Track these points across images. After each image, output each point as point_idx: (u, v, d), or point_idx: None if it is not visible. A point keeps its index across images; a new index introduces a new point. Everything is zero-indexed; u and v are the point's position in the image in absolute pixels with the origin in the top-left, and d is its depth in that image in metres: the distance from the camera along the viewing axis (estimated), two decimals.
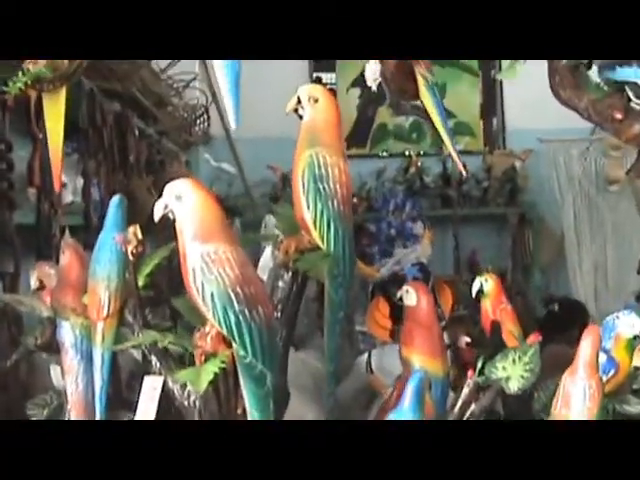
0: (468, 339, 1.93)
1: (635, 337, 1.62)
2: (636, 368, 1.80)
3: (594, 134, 4.95)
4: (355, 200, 4.95)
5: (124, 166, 3.46)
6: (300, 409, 2.72)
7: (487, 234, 5.54)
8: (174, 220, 1.45)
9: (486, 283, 1.94)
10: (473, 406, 1.68)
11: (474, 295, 1.96)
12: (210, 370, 1.40)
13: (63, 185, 3.32)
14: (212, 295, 1.41)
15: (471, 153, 5.48)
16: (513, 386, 1.63)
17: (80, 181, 2.99)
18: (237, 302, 1.41)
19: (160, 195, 1.44)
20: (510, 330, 1.90)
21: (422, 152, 5.47)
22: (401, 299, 1.83)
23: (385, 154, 5.58)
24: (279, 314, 1.68)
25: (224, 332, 1.43)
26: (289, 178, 1.80)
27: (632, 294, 4.90)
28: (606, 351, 1.62)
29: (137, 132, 3.60)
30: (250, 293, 1.43)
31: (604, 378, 1.61)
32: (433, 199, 5.32)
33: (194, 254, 1.42)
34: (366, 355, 2.67)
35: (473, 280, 5.26)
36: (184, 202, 1.44)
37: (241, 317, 1.42)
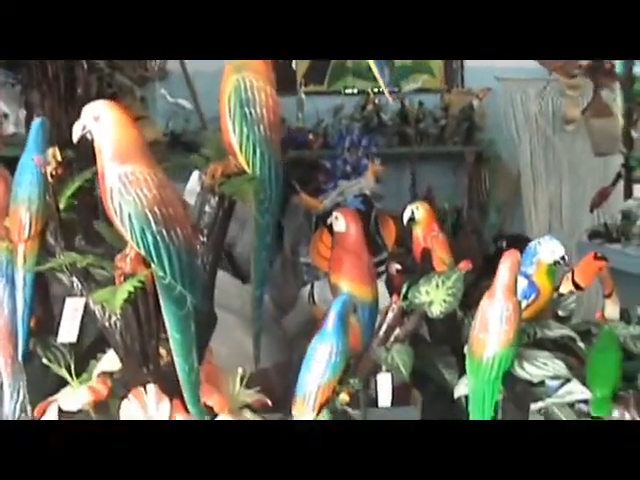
0: (399, 266, 1.93)
1: (555, 262, 1.63)
2: (560, 295, 1.82)
3: (552, 74, 4.95)
4: (311, 137, 4.93)
5: (71, 99, 3.39)
6: (246, 339, 2.75)
7: (444, 172, 5.55)
8: (92, 141, 1.43)
9: (417, 211, 1.94)
10: (398, 330, 1.70)
11: (405, 223, 1.96)
12: (125, 289, 1.40)
13: (4, 116, 3.28)
14: (129, 216, 1.40)
15: (429, 91, 5.48)
16: (435, 310, 1.65)
17: (23, 113, 2.93)
18: (155, 223, 1.40)
19: None
20: (440, 257, 1.91)
21: (380, 89, 5.43)
22: (331, 226, 1.83)
23: (350, 91, 5.55)
24: (205, 239, 1.67)
25: (142, 253, 1.42)
26: None
27: (585, 232, 4.95)
28: (527, 276, 1.64)
29: (85, 65, 3.52)
30: (168, 214, 1.42)
31: (524, 303, 1.63)
32: (390, 137, 5.32)
33: (112, 175, 1.41)
34: (309, 286, 2.68)
35: None
36: (102, 123, 1.42)
37: (159, 238, 1.41)
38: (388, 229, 2.80)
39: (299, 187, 3.23)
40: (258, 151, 1.63)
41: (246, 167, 1.65)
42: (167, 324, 1.48)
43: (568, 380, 1.57)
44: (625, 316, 2.01)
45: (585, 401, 1.58)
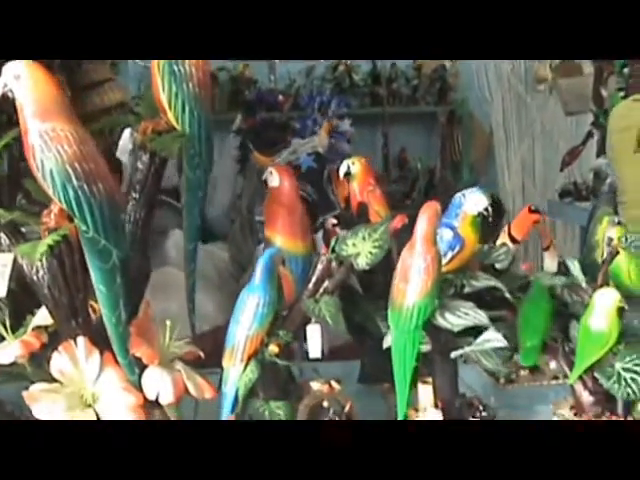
0: (334, 220, 1.96)
1: (479, 214, 1.65)
2: (491, 247, 1.85)
3: None
4: (281, 98, 4.93)
5: None
6: (204, 298, 2.79)
7: (416, 132, 5.57)
8: (14, 99, 1.45)
9: (353, 166, 1.96)
10: (327, 282, 1.73)
11: (341, 177, 1.98)
12: (45, 243, 1.42)
13: None
14: (51, 172, 1.42)
15: None
16: (362, 262, 1.68)
17: None
18: (75, 178, 1.42)
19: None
20: (377, 211, 1.93)
21: None
22: (265, 181, 1.85)
23: None
24: (138, 195, 1.69)
25: (65, 208, 1.44)
26: None
27: (556, 191, 4.99)
28: (453, 228, 1.66)
29: None
30: (89, 169, 1.44)
31: (450, 254, 1.66)
32: (362, 97, 5.32)
33: (34, 132, 1.43)
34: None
35: (402, 178, 5.33)
36: (22, 81, 1.44)
37: (80, 192, 1.43)
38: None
39: (252, 146, 3.25)
40: (187, 108, 1.66)
41: (175, 124, 1.67)
42: (93, 277, 1.50)
43: (486, 328, 1.59)
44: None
45: (503, 349, 1.61)
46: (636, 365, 1.63)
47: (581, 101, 4.83)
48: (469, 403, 1.75)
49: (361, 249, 1.68)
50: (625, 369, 1.64)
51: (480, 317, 1.58)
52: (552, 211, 5.06)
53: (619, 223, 2.01)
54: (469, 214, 1.64)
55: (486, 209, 1.63)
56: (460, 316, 1.58)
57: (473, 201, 1.63)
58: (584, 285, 1.74)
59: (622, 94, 4.25)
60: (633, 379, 1.62)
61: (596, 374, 1.66)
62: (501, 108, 5.37)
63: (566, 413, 1.79)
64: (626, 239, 1.71)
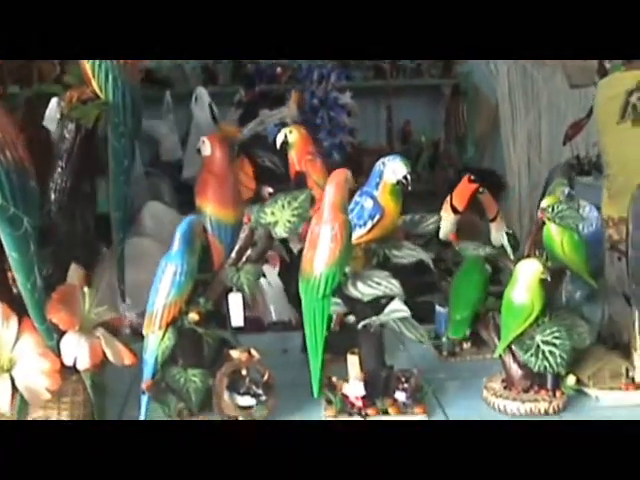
0: (270, 189, 1.94)
1: (398, 182, 1.63)
2: (422, 216, 1.82)
3: None
4: (279, 70, 4.90)
5: None
6: None
7: (421, 105, 5.50)
8: None
9: (291, 134, 1.94)
10: (249, 251, 1.71)
11: (278, 146, 1.96)
12: None
13: None
14: None
15: None
16: (279, 231, 1.66)
17: None
18: None
19: None
20: (315, 180, 1.91)
21: None
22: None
23: None
24: (64, 164, 1.69)
25: None
26: None
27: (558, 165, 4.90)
28: (372, 197, 1.63)
29: None
30: None
31: (370, 224, 1.63)
32: (366, 70, 5.25)
33: None
34: None
35: (406, 151, 5.26)
36: None
37: None
38: None
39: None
40: (110, 77, 1.65)
41: (99, 93, 1.66)
42: (4, 245, 1.50)
43: (392, 298, 1.57)
44: None
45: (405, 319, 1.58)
46: (555, 338, 1.60)
47: (585, 74, 4.73)
48: (396, 376, 1.72)
49: (279, 217, 1.66)
50: (544, 342, 1.61)
51: (392, 286, 1.56)
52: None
53: (570, 196, 1.97)
54: (388, 182, 1.62)
55: (405, 177, 1.60)
56: (372, 286, 1.56)
57: (392, 169, 1.61)
58: (512, 257, 1.71)
59: (624, 67, 4.15)
60: (551, 352, 1.59)
61: (514, 347, 1.63)
62: (506, 81, 5.27)
63: (497, 386, 1.76)
64: (553, 209, 1.67)
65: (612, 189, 3.30)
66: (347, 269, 1.60)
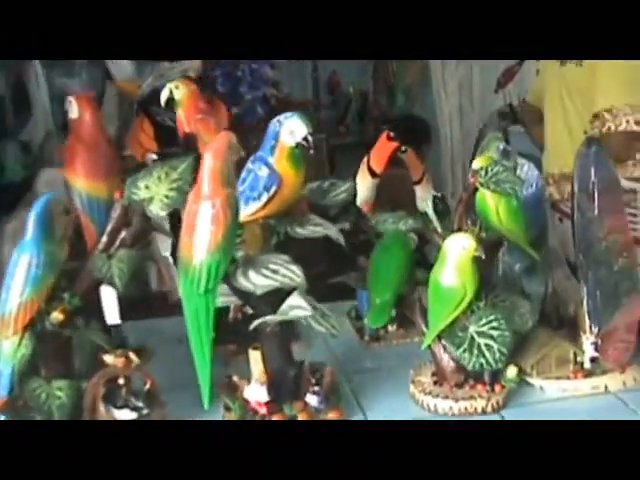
0: (154, 156, 1.63)
1: (298, 145, 1.32)
2: (332, 184, 1.52)
3: None
4: None
5: None
6: None
7: None
8: None
9: (177, 90, 1.62)
10: (123, 233, 1.40)
11: (163, 104, 1.64)
12: None
13: None
14: None
15: None
16: (155, 208, 1.35)
17: None
18: None
19: None
20: (207, 143, 1.59)
21: None
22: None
23: None
24: None
25: None
26: None
27: (491, 114, 4.65)
28: (267, 164, 1.33)
29: None
30: None
31: (265, 196, 1.33)
32: None
33: None
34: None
35: (334, 103, 4.96)
36: None
37: None
38: (219, 114, 2.47)
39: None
40: None
41: None
42: None
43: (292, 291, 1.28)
44: None
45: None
46: (493, 329, 1.33)
47: None
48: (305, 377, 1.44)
49: (155, 192, 1.35)
50: (480, 333, 1.34)
51: (292, 275, 1.26)
52: (488, 134, 4.74)
53: (506, 152, 1.70)
54: (286, 146, 1.31)
55: (305, 138, 1.30)
56: (266, 275, 1.26)
57: (289, 129, 1.30)
58: (439, 230, 1.43)
59: None
60: (488, 346, 1.32)
61: (444, 341, 1.36)
62: None
63: (426, 381, 1.50)
64: (486, 172, 1.38)
65: (551, 141, 3.03)
66: (240, 253, 1.31)
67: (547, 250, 1.64)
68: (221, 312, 1.43)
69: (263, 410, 1.40)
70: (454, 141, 5.03)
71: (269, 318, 1.31)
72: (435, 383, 1.48)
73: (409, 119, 4.29)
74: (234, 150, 1.21)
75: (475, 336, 1.33)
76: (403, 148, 1.70)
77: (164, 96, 1.64)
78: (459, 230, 1.40)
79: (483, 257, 1.31)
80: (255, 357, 1.44)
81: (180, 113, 1.66)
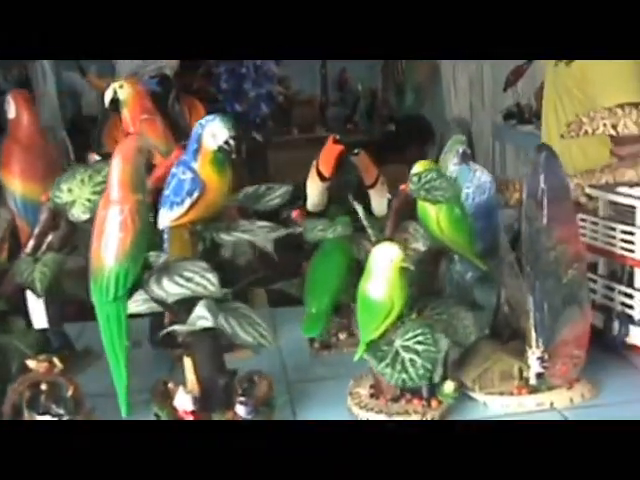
0: (97, 156, 1.59)
1: (220, 149, 1.28)
2: (269, 187, 1.48)
3: None
4: None
5: None
6: None
7: None
8: None
9: (121, 90, 1.59)
10: (50, 236, 1.37)
11: (107, 105, 1.61)
12: None
13: None
14: None
15: None
16: (77, 212, 1.32)
17: None
18: None
19: None
20: (153, 144, 1.56)
21: None
22: None
23: None
24: None
25: None
26: None
27: (500, 113, 4.59)
28: (191, 169, 1.29)
29: None
30: None
31: (189, 201, 1.29)
32: None
33: None
34: None
35: (342, 100, 4.94)
36: None
37: None
38: (196, 112, 2.45)
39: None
40: None
41: None
42: None
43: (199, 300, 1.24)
44: None
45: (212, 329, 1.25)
46: (418, 343, 1.28)
47: None
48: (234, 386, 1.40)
49: (77, 196, 1.32)
50: (405, 348, 1.29)
51: (206, 283, 1.22)
52: (496, 135, 4.68)
53: (465, 155, 1.65)
54: (208, 150, 1.27)
55: (227, 142, 1.26)
56: (178, 282, 1.22)
57: (211, 133, 1.26)
58: (373, 237, 1.38)
59: None
60: (412, 361, 1.27)
61: (366, 356, 1.31)
62: None
63: (364, 393, 1.45)
64: (419, 178, 1.33)
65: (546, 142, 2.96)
66: (163, 259, 1.27)
67: (500, 260, 1.58)
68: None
69: (190, 419, 1.37)
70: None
71: (177, 327, 1.27)
72: (372, 396, 1.43)
73: (412, 119, 4.23)
74: (144, 154, 1.18)
75: (400, 350, 1.28)
76: (356, 151, 1.66)
77: (108, 96, 1.61)
78: (391, 239, 1.35)
79: (411, 268, 1.26)
80: (188, 364, 1.41)
81: (125, 113, 1.62)
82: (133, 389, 1.37)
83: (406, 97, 5.11)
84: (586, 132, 2.11)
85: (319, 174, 1.66)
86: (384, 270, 1.27)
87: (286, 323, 1.77)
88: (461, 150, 1.64)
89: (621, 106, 2.00)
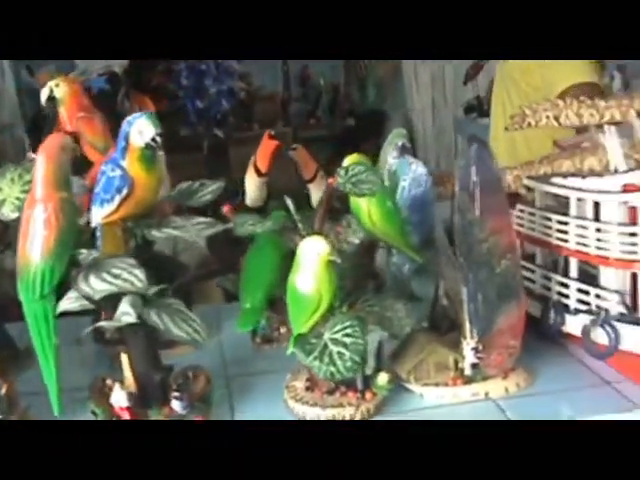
0: (33, 155, 1.58)
1: (147, 146, 1.29)
2: (201, 183, 1.48)
3: None
4: None
5: None
6: None
7: None
8: None
9: (57, 88, 1.59)
10: None
11: (44, 103, 1.60)
12: None
13: None
14: None
15: None
16: (7, 211, 1.32)
17: None
18: None
19: None
20: (91, 142, 1.57)
21: None
22: None
23: None
24: None
25: None
26: None
27: (461, 106, 4.62)
28: (120, 166, 1.30)
29: None
30: None
31: (118, 199, 1.30)
32: None
33: None
34: None
35: (305, 96, 4.94)
36: None
37: None
38: (146, 109, 2.44)
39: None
40: None
41: None
42: None
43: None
44: None
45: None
46: (347, 336, 1.29)
47: None
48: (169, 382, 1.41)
49: (7, 194, 1.32)
50: (333, 341, 1.30)
51: (133, 279, 1.23)
52: (458, 128, 4.70)
53: (404, 149, 1.66)
54: (135, 147, 1.28)
55: (154, 139, 1.26)
56: (106, 279, 1.22)
57: (138, 130, 1.26)
58: (302, 231, 1.39)
59: None
60: (340, 354, 1.28)
61: (295, 349, 1.32)
62: None
63: (300, 386, 1.46)
64: (346, 172, 1.34)
65: (493, 134, 2.99)
66: (93, 256, 1.27)
67: (437, 252, 1.59)
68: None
69: (126, 415, 1.37)
70: (427, 136, 4.99)
71: (104, 324, 1.27)
72: (307, 389, 1.44)
73: (373, 114, 4.26)
74: (68, 152, 1.18)
75: (329, 343, 1.29)
76: (294, 146, 1.67)
77: (44, 95, 1.60)
78: (320, 233, 1.36)
79: (338, 261, 1.27)
80: (125, 361, 1.41)
81: (62, 111, 1.62)
82: (74, 387, 1.39)
83: (368, 92, 5.12)
84: (529, 124, 2.12)
85: (256, 170, 1.67)
86: (311, 263, 1.28)
87: (232, 318, 1.77)
88: (400, 143, 1.66)
89: (563, 98, 2.02)
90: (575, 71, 2.55)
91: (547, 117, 2.01)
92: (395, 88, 5.07)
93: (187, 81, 4.42)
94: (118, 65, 2.47)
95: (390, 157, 1.67)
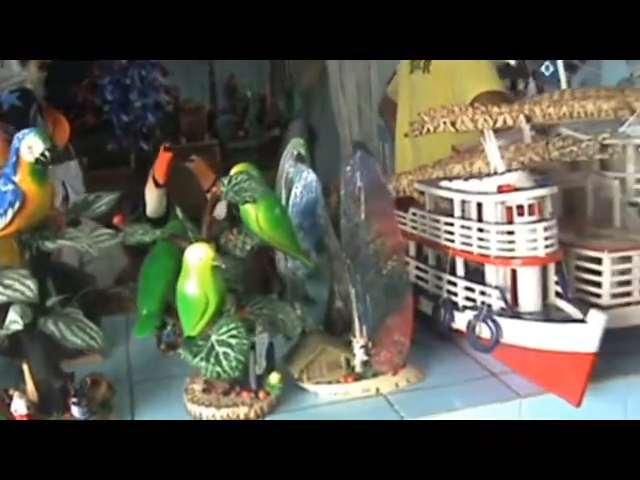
0: None
1: (37, 160, 1.34)
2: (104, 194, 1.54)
3: None
4: None
5: None
6: None
7: None
8: None
9: None
10: None
11: None
12: None
13: None
14: None
15: None
16: None
17: None
18: None
19: None
20: None
21: None
22: None
23: None
24: None
25: None
26: None
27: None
28: (12, 180, 1.34)
29: None
30: None
31: (11, 212, 1.34)
32: None
33: None
34: None
35: (232, 107, 4.98)
36: None
37: None
38: (60, 126, 2.48)
39: None
40: None
41: None
42: None
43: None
44: None
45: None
46: (232, 337, 1.35)
47: None
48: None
49: None
50: (220, 342, 1.36)
51: (24, 289, 1.28)
52: (382, 135, 4.79)
53: (300, 158, 1.73)
54: (26, 161, 1.33)
55: (43, 154, 1.32)
56: None
57: (27, 146, 1.31)
58: (191, 237, 1.45)
59: None
60: (225, 354, 1.34)
61: (180, 350, 1.38)
62: None
63: (197, 388, 1.52)
64: (230, 180, 1.41)
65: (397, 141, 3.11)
66: None
67: (330, 256, 1.66)
68: None
69: None
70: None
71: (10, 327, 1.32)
72: (204, 391, 1.50)
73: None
74: None
75: (215, 344, 1.35)
76: (192, 157, 1.72)
77: None
78: (207, 240, 1.42)
79: (223, 267, 1.34)
80: (26, 370, 1.45)
81: None
82: None
83: (294, 102, 5.19)
84: (428, 130, 2.21)
85: (154, 181, 1.72)
86: (196, 269, 1.34)
87: None
88: (295, 152, 1.73)
89: (459, 105, 2.12)
90: (480, 82, 2.68)
91: (444, 123, 2.11)
92: (322, 97, 5.15)
93: (112, 96, 4.45)
94: (30, 81, 2.50)
95: (287, 165, 1.73)
